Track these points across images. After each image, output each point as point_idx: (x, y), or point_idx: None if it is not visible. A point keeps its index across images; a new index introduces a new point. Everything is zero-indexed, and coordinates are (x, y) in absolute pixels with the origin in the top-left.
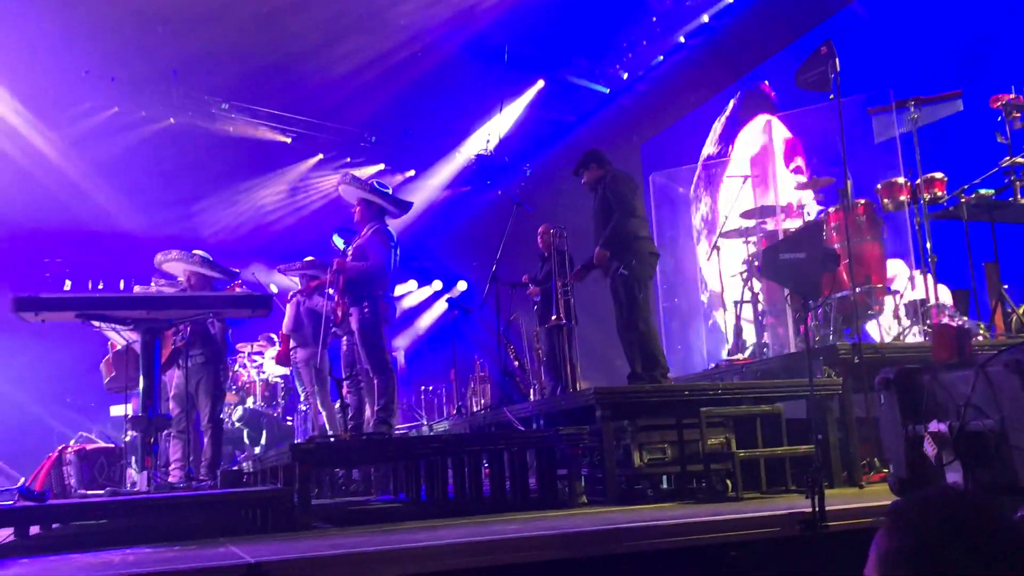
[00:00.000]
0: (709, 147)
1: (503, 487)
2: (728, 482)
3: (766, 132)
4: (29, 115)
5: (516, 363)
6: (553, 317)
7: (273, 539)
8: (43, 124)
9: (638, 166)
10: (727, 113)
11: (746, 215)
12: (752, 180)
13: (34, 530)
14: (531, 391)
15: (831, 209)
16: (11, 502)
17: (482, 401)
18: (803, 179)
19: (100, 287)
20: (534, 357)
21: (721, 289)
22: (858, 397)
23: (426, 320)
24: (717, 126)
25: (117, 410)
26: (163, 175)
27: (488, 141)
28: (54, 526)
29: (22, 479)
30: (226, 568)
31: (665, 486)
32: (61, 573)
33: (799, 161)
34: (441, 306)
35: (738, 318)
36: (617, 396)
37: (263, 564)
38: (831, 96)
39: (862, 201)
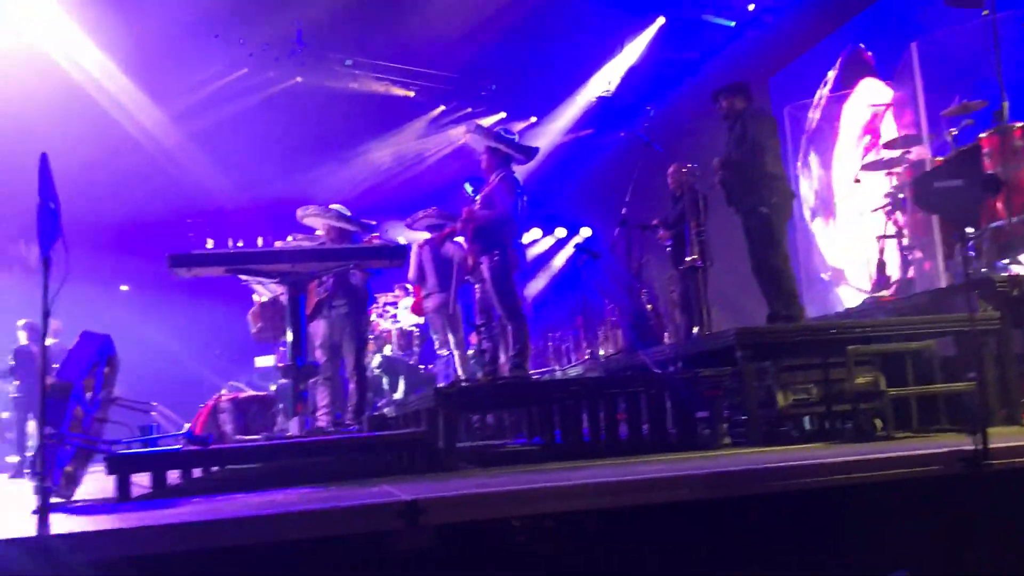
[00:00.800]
0: (814, 114)
1: (640, 430)
2: (877, 421)
3: (869, 97)
4: (159, 80)
5: (648, 307)
6: (688, 258)
7: (423, 479)
8: (175, 89)
9: (767, 100)
10: (829, 84)
11: (888, 145)
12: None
13: (196, 473)
14: (665, 335)
15: (984, 134)
16: (178, 446)
17: (613, 346)
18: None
19: (239, 244)
20: (666, 301)
21: (841, 266)
22: (1016, 332)
23: (551, 268)
24: (821, 93)
25: (261, 361)
26: (290, 135)
27: (609, 83)
28: (213, 469)
29: (187, 425)
30: (385, 505)
31: (809, 427)
32: (230, 510)
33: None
34: (566, 253)
35: (881, 252)
36: (759, 336)
37: (420, 501)
38: (985, 12)
39: (1019, 124)
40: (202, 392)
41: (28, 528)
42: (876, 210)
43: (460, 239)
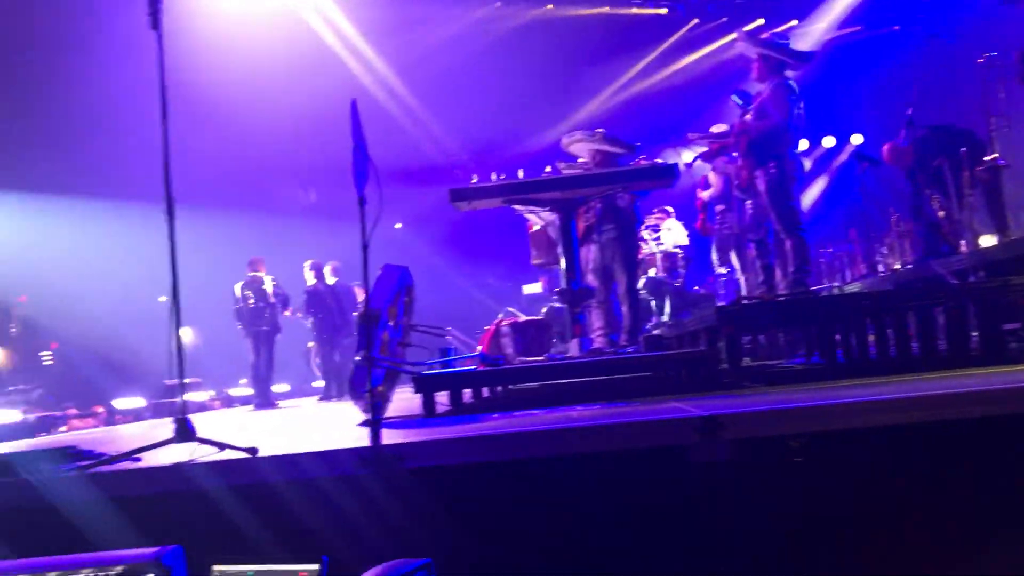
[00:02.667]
0: None
1: (934, 345)
2: None
3: None
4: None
5: (941, 213)
6: (988, 157)
7: (709, 397)
8: (419, 26)
9: None
10: None
11: None
12: None
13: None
14: (961, 243)
15: None
16: (474, 367)
17: (899, 258)
18: None
19: (502, 177)
20: (960, 206)
21: None
22: None
23: (822, 178)
24: None
25: (528, 288)
26: (539, 69)
27: None
28: (498, 388)
29: (479, 347)
30: (684, 420)
31: None
32: (529, 423)
33: None
34: (835, 163)
35: None
36: None
37: (717, 417)
38: None
39: None
40: (479, 317)
41: (363, 439)
42: None
43: (734, 153)
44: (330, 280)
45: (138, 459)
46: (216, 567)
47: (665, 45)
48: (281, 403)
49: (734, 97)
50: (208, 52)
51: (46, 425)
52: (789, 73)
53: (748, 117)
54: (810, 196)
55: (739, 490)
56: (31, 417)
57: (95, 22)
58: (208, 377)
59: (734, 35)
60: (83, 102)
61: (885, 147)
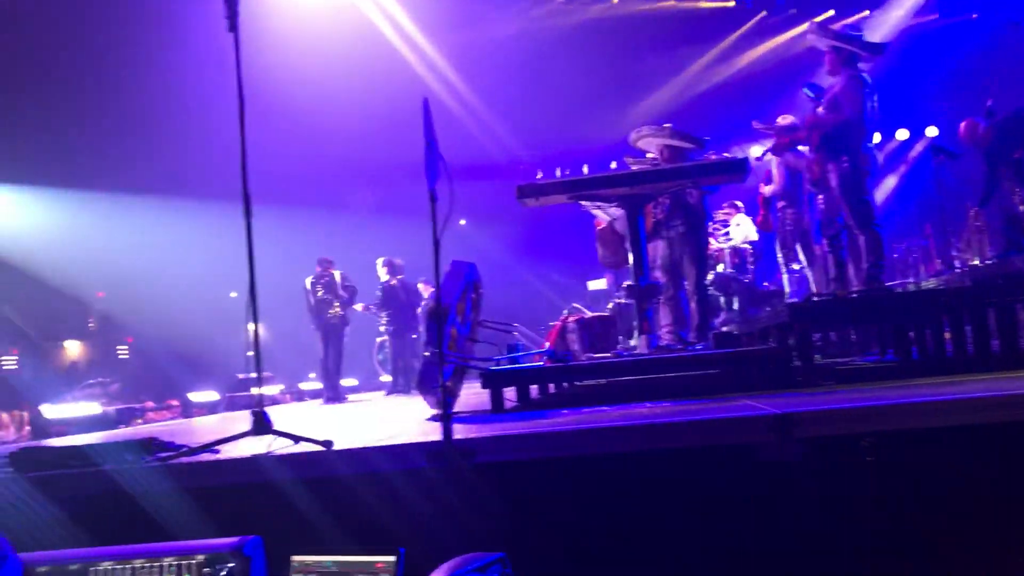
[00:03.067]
0: None
1: (1016, 343)
2: None
3: None
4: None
5: (1022, 207)
6: None
7: (781, 394)
8: (481, 22)
9: None
10: None
11: None
12: None
13: (549, 388)
14: None
15: None
16: (541, 363)
17: (978, 254)
18: None
19: (566, 173)
20: None
21: None
22: None
23: (896, 172)
24: None
25: (593, 284)
26: (608, 61)
27: None
28: (564, 385)
29: (547, 344)
30: (756, 418)
31: None
32: (598, 420)
33: None
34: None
35: None
36: None
37: (791, 415)
38: None
39: None
40: (545, 313)
41: (432, 434)
42: None
43: (803, 148)
44: (391, 277)
45: (217, 451)
46: (295, 558)
47: (733, 38)
48: (350, 397)
49: (805, 90)
50: (279, 53)
51: (125, 417)
52: (862, 65)
53: (820, 111)
54: (883, 190)
55: (809, 490)
56: (111, 409)
57: (175, 28)
58: (279, 371)
59: (804, 27)
60: (161, 104)
61: (963, 124)
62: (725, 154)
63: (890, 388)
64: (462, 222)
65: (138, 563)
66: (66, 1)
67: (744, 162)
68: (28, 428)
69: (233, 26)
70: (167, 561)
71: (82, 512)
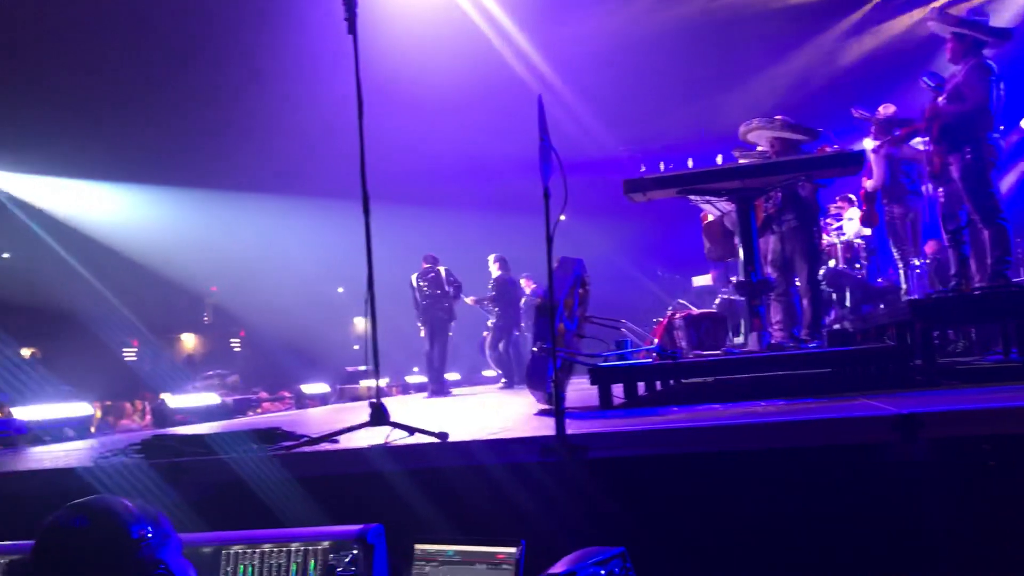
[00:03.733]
0: None
1: None
2: None
3: None
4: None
5: None
6: None
7: (901, 394)
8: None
9: None
10: None
11: None
12: None
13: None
14: None
15: None
16: (649, 359)
17: None
18: None
19: (670, 167)
20: None
21: None
22: None
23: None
24: None
25: (698, 280)
26: (714, 51)
27: None
28: (670, 382)
29: (655, 340)
30: (878, 418)
31: None
32: (711, 418)
33: None
34: None
35: None
36: None
37: (916, 415)
38: None
39: None
40: (650, 308)
41: (542, 428)
42: None
43: (916, 140)
44: (502, 272)
45: (336, 441)
46: (418, 546)
47: (847, 23)
48: (453, 391)
49: (925, 79)
50: (395, 52)
51: (242, 408)
52: (986, 51)
53: (941, 100)
54: (1008, 182)
55: (932, 491)
56: (229, 400)
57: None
58: (385, 364)
59: (924, 12)
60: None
61: None
62: (835, 146)
63: (1014, 389)
64: (562, 217)
65: (267, 547)
66: (190, 7)
67: (860, 155)
68: (150, 417)
69: (352, 28)
70: (294, 546)
71: (208, 498)
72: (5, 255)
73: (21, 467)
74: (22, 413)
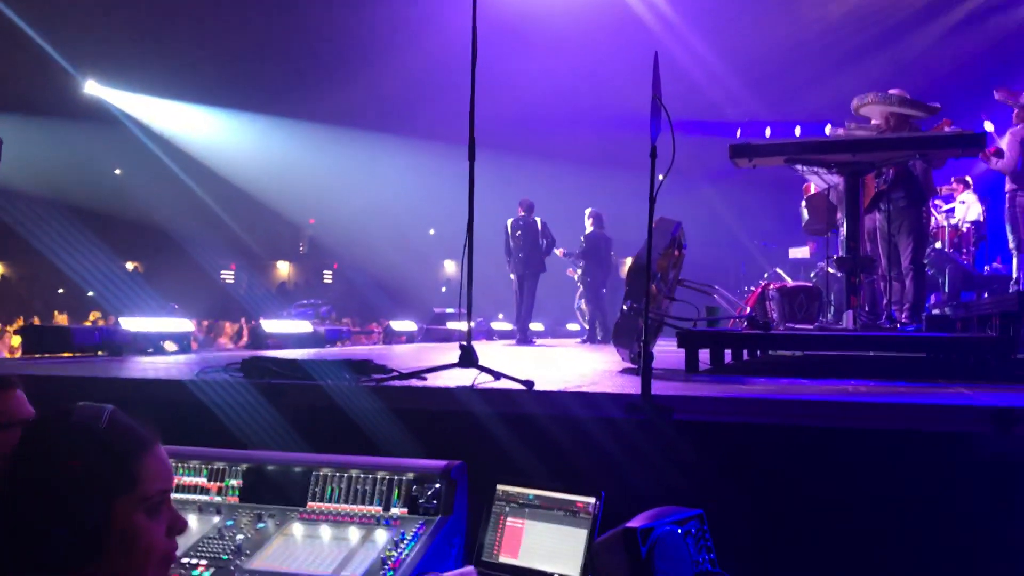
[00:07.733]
0: None
1: None
2: None
3: None
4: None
5: None
6: None
7: (1002, 386)
8: None
9: None
10: None
11: None
12: None
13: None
14: None
15: None
16: (739, 327)
17: None
18: None
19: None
20: None
21: None
22: None
23: None
24: None
25: (795, 252)
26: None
27: None
28: (757, 352)
29: (747, 308)
30: (977, 408)
31: None
32: (800, 392)
33: None
34: None
35: None
36: None
37: (1017, 409)
38: None
39: None
40: (743, 276)
41: (628, 387)
42: None
43: None
44: (595, 228)
45: (424, 378)
46: (501, 486)
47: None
48: (538, 342)
49: None
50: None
51: (332, 338)
52: None
53: None
54: None
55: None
56: (321, 329)
57: None
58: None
59: None
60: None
61: None
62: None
63: None
64: (661, 177)
65: (354, 472)
66: None
67: (982, 136)
68: (247, 338)
69: None
70: (380, 474)
71: (302, 420)
72: (117, 171)
73: (126, 375)
74: (129, 323)
